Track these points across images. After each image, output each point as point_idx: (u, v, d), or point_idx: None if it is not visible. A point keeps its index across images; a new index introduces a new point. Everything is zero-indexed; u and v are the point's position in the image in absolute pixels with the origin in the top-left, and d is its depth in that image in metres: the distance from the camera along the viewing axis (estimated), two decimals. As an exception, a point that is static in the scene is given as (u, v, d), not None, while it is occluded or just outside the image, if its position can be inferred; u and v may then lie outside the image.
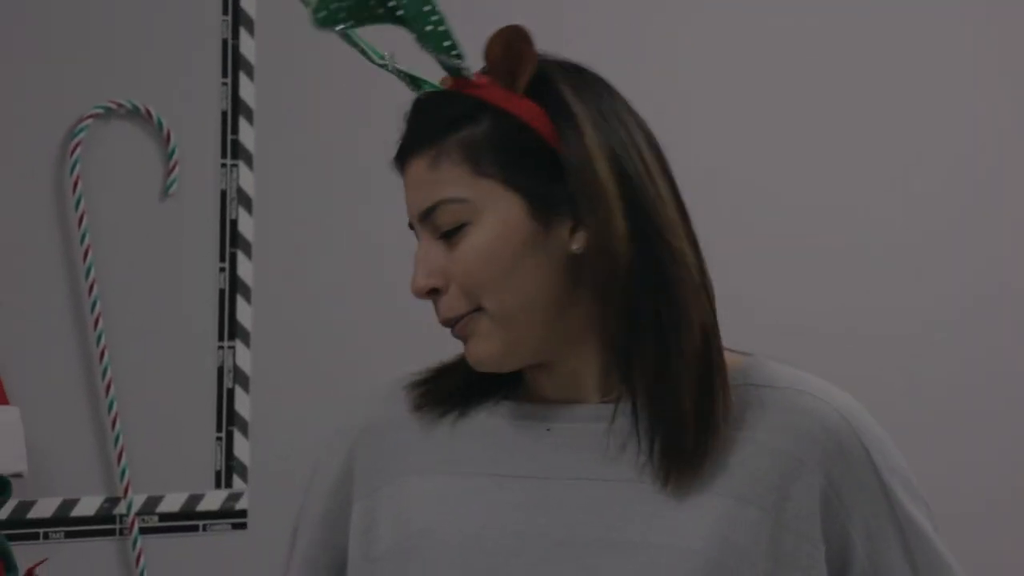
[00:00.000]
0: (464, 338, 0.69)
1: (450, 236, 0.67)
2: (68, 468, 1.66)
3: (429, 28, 0.66)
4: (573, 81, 0.69)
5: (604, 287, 0.66)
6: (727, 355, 0.69)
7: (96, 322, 1.66)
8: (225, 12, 1.76)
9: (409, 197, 0.70)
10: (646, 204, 0.66)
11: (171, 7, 1.72)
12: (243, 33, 1.77)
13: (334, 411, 0.88)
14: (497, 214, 0.66)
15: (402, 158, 0.70)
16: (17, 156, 1.65)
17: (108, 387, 1.66)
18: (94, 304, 1.67)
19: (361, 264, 1.82)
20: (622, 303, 0.65)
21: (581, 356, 0.70)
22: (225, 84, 1.76)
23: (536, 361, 0.70)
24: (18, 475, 1.54)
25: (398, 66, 0.73)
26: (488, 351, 0.68)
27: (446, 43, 0.67)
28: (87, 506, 1.67)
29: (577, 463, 0.68)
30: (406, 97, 0.73)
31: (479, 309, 0.67)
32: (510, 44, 0.66)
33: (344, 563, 0.75)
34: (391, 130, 0.72)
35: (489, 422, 0.73)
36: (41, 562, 1.52)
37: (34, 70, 1.65)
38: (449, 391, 0.75)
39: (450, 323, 0.69)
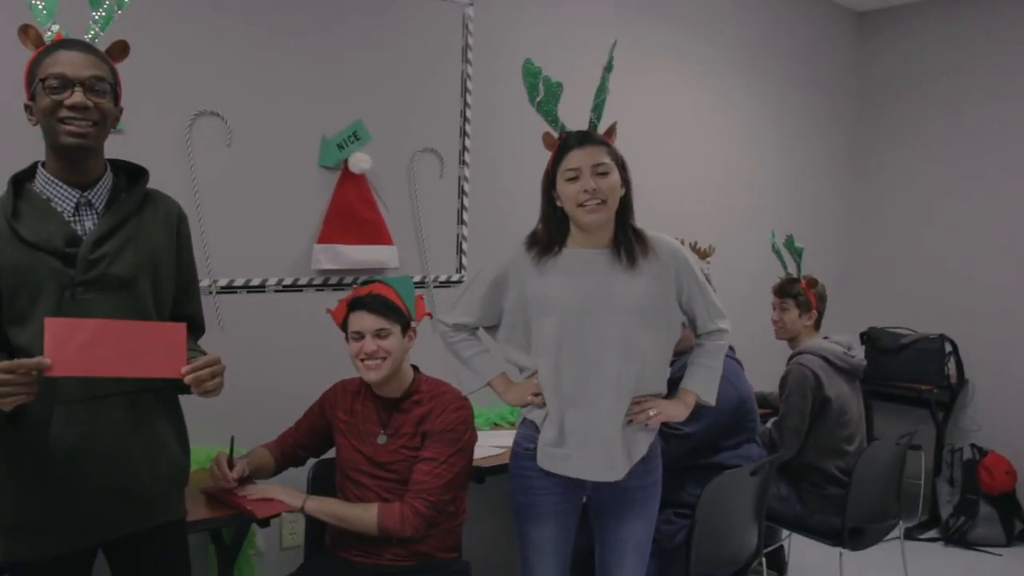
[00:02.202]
0: (593, 209, 2.15)
1: (604, 175, 2.15)
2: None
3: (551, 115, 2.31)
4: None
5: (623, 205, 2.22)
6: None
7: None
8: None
9: (583, 159, 2.15)
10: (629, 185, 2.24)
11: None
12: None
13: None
14: (615, 176, 2.17)
15: (582, 143, 2.18)
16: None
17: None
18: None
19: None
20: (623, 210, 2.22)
21: (608, 226, 2.21)
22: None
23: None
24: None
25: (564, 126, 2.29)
26: (603, 219, 2.16)
27: (555, 120, 2.30)
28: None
29: (602, 269, 2.19)
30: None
31: (603, 202, 2.14)
32: (611, 130, 2.27)
33: (492, 312, 2.34)
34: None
35: (564, 257, 2.21)
36: None
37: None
38: (544, 245, 2.23)
39: (589, 202, 2.14)
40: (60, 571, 1.77)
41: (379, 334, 2.36)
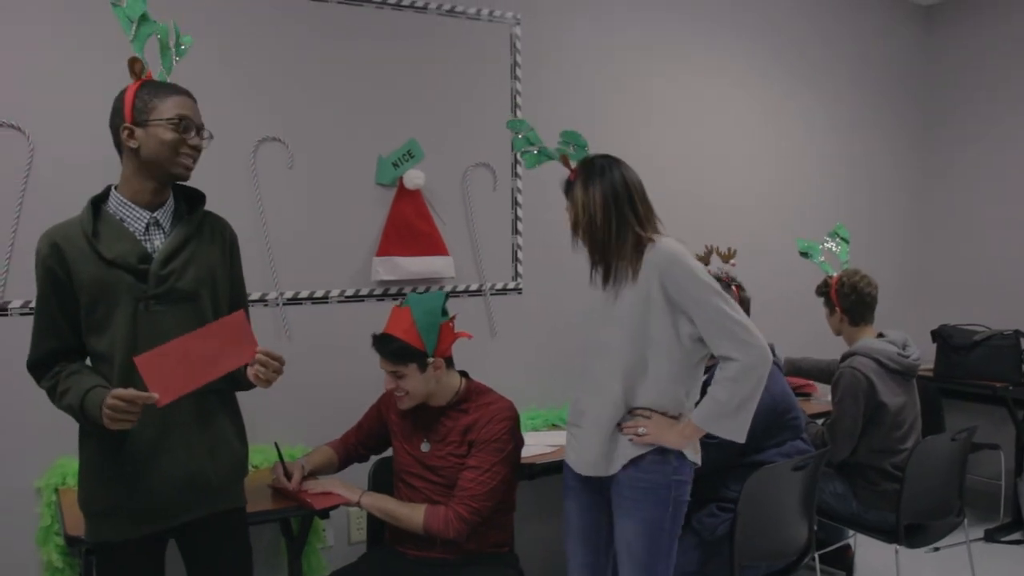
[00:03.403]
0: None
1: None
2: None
3: (548, 155, 2.60)
4: (584, 167, 2.40)
5: (595, 233, 2.35)
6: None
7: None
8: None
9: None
10: (609, 215, 2.33)
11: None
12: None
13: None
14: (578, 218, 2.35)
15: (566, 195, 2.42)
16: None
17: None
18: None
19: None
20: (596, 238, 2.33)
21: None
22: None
23: None
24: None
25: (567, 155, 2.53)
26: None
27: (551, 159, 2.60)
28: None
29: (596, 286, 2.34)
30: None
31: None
32: (565, 163, 2.48)
33: None
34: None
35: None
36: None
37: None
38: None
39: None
40: (138, 552, 1.99)
41: (394, 375, 2.52)
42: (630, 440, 2.27)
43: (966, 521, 3.37)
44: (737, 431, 2.21)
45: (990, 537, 4.28)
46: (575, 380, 2.43)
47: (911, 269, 5.12)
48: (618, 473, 2.28)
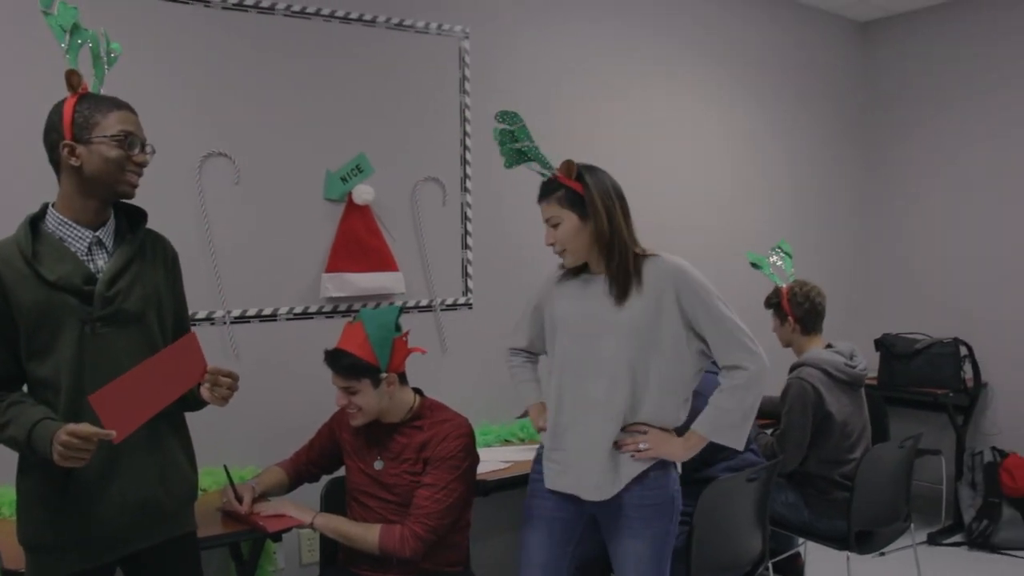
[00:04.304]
0: (561, 255, 2.29)
1: (556, 227, 2.25)
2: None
3: (540, 161, 2.34)
4: (588, 173, 2.27)
5: (604, 237, 2.23)
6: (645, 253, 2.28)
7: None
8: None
9: (543, 213, 2.29)
10: (613, 216, 2.25)
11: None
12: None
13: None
14: (570, 221, 2.24)
15: (540, 199, 2.30)
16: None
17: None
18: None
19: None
20: (605, 242, 2.23)
21: (598, 260, 2.27)
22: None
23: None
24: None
25: (542, 171, 2.33)
26: (573, 261, 2.29)
27: (545, 164, 2.32)
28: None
29: (597, 293, 2.25)
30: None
31: (564, 250, 2.27)
32: (570, 167, 2.25)
33: (540, 335, 2.46)
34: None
35: (577, 280, 2.32)
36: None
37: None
38: (569, 269, 2.33)
39: (557, 251, 2.28)
40: (85, 585, 1.91)
41: (347, 391, 2.48)
42: (631, 457, 2.22)
43: (912, 526, 3.44)
44: (739, 439, 2.22)
45: (932, 540, 4.38)
46: (556, 397, 2.30)
47: (854, 279, 5.23)
48: (621, 493, 2.23)
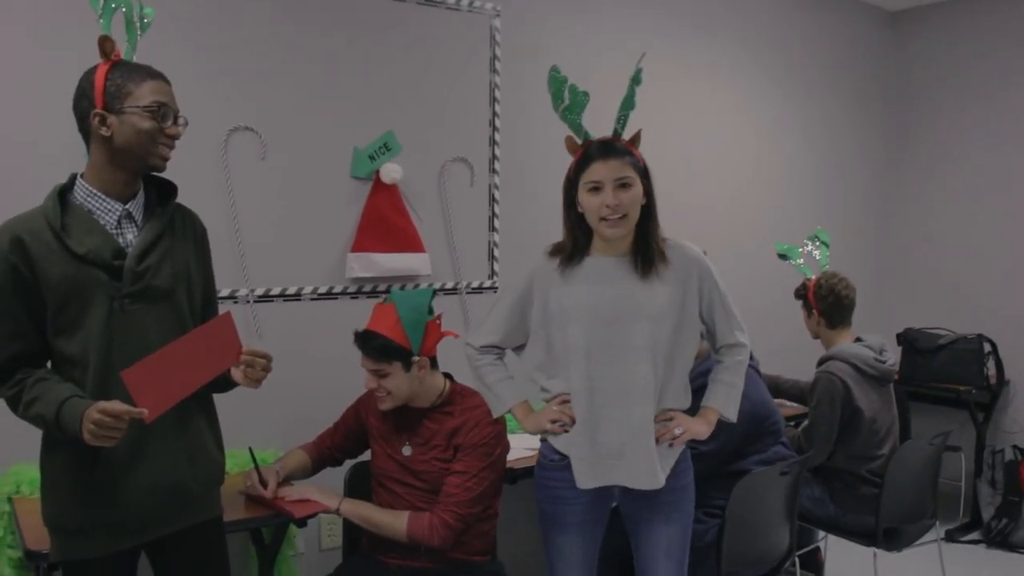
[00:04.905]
0: (615, 224, 2.12)
1: (627, 188, 2.12)
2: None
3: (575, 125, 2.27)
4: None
5: (650, 213, 2.19)
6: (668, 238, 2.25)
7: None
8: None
9: (605, 172, 2.12)
10: (651, 192, 2.20)
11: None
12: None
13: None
14: (638, 188, 2.14)
15: (605, 155, 2.14)
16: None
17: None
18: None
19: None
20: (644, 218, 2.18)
21: (631, 237, 2.19)
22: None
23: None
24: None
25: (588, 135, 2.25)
26: (623, 232, 2.14)
27: (578, 129, 2.25)
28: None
29: (622, 276, 2.17)
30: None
31: (624, 216, 2.12)
32: (636, 138, 2.24)
33: (519, 331, 2.31)
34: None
35: (587, 265, 2.20)
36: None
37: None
38: (568, 254, 2.20)
39: (611, 216, 2.12)
40: (108, 569, 1.85)
41: (377, 374, 2.41)
42: (669, 446, 2.20)
43: (937, 523, 3.39)
44: (736, 412, 2.31)
45: (950, 537, 4.34)
46: (586, 386, 2.18)
47: (878, 272, 5.17)
48: None
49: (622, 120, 2.24)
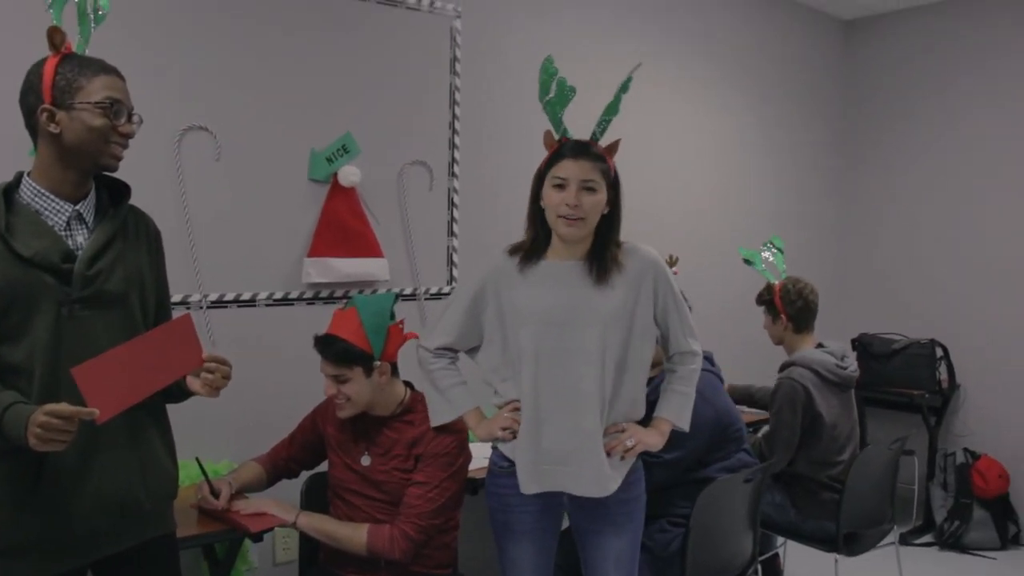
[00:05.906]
0: (571, 223, 2.09)
1: (590, 192, 2.10)
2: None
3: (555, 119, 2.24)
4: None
5: (611, 222, 2.17)
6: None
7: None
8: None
9: (574, 171, 2.10)
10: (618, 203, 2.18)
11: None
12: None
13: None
14: (603, 194, 2.12)
15: (576, 155, 2.13)
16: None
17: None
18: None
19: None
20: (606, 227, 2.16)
21: (587, 243, 2.16)
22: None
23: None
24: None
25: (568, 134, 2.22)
26: (579, 234, 2.11)
27: (558, 124, 2.24)
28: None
29: (575, 281, 2.13)
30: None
31: (582, 219, 2.08)
32: (613, 146, 2.23)
33: (473, 332, 2.25)
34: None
35: (542, 268, 2.16)
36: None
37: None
38: (527, 252, 2.18)
39: (570, 215, 2.08)
40: (53, 591, 1.75)
41: (337, 379, 2.34)
42: (621, 458, 2.15)
43: (896, 527, 3.42)
44: (688, 421, 2.28)
45: (904, 540, 4.39)
46: (532, 390, 2.15)
47: (832, 277, 5.22)
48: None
49: (603, 125, 2.21)
